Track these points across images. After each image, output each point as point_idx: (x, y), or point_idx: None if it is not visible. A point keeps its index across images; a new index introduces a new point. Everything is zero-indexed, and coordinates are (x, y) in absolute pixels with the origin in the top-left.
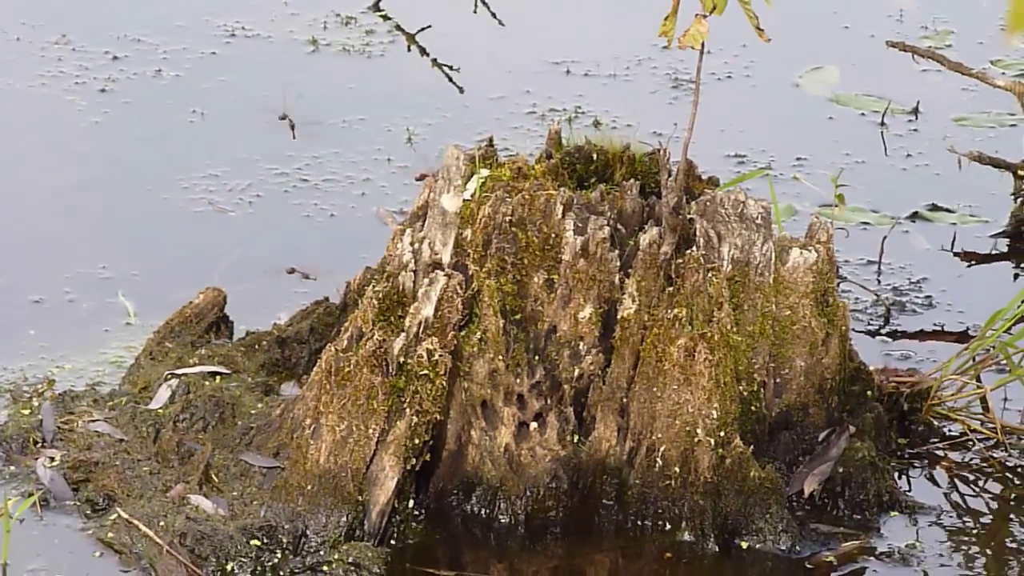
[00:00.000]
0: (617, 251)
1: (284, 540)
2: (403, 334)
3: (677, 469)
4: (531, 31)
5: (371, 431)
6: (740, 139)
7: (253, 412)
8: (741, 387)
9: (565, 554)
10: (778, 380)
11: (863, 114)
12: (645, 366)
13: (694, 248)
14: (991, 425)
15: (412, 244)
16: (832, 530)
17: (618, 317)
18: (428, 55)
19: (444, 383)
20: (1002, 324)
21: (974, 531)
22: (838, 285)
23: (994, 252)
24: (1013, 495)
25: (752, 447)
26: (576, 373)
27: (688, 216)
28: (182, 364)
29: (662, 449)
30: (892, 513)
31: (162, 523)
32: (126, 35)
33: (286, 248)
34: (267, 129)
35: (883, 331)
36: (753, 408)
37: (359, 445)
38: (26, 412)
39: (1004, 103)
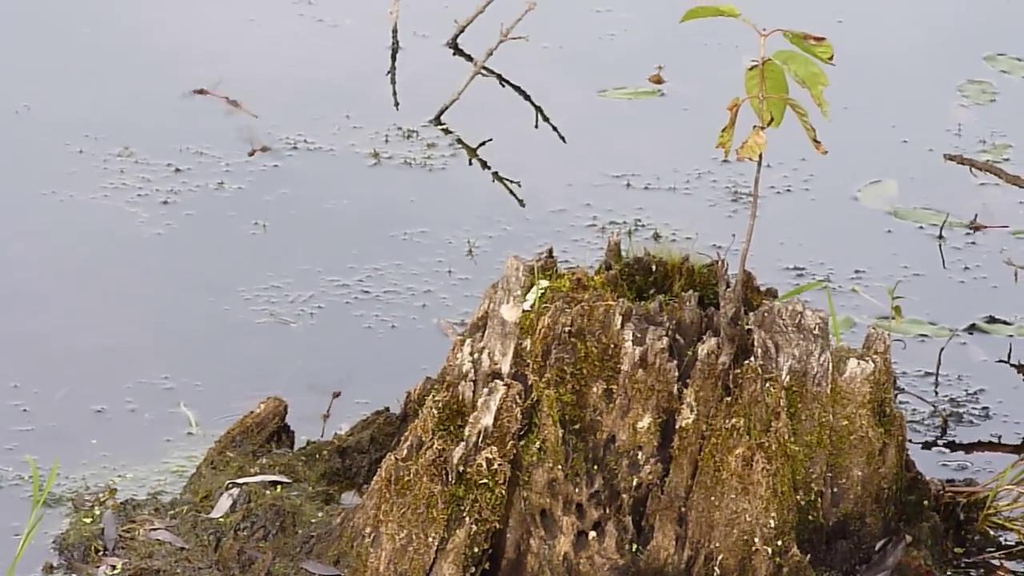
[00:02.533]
0: (676, 361)
1: None
2: (463, 443)
3: None
4: (592, 145)
5: (431, 539)
6: (799, 252)
7: (313, 521)
8: (798, 496)
9: None
10: (835, 489)
11: (921, 227)
12: (703, 475)
13: (752, 358)
14: None
15: (472, 354)
16: None
17: (676, 427)
18: (489, 168)
19: (503, 492)
20: None
21: None
22: (895, 396)
23: None
24: None
25: (809, 556)
26: (635, 482)
27: (746, 327)
28: (243, 473)
29: (720, 558)
30: None
31: None
32: (188, 147)
33: (347, 359)
34: (329, 241)
35: (940, 442)
36: (810, 517)
37: (419, 553)
38: (88, 520)
39: None
